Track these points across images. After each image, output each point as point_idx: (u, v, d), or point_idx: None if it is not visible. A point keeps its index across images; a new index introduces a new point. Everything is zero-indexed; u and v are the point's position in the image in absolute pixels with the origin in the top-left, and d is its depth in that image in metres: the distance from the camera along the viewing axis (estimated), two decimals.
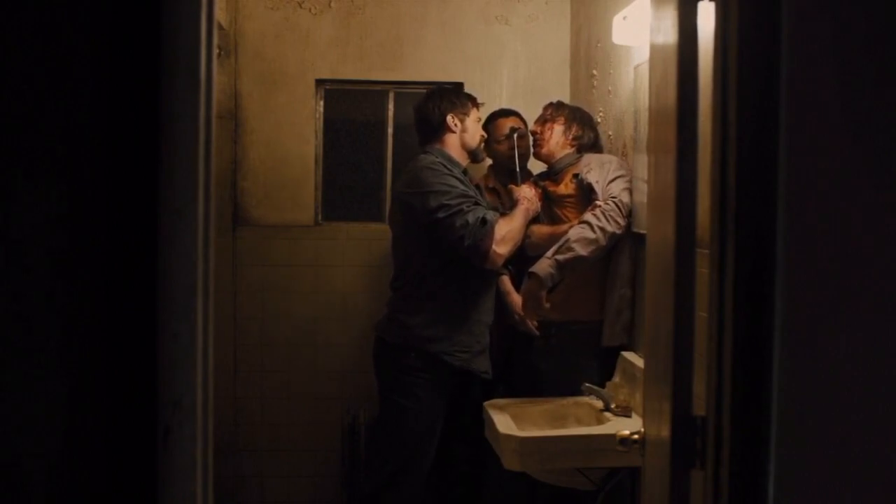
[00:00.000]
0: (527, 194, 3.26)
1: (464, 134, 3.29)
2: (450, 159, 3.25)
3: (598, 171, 3.22)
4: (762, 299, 1.50)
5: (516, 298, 3.33)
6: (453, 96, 3.32)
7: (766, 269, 1.49)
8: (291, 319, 4.19)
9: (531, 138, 3.51)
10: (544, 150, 3.41)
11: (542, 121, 3.45)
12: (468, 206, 3.07)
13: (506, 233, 3.10)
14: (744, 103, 1.52)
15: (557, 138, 3.38)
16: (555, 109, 3.44)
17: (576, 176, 3.28)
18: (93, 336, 1.32)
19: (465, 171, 3.30)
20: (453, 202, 3.07)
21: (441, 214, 3.06)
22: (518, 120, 3.70)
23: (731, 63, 1.54)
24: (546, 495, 3.35)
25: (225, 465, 4.04)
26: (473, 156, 3.37)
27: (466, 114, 3.30)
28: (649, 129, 2.09)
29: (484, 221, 3.05)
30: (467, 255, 3.07)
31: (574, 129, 3.39)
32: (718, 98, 1.57)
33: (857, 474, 1.51)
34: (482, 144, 3.40)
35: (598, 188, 3.17)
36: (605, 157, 3.35)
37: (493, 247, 3.05)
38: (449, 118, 3.27)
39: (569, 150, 3.39)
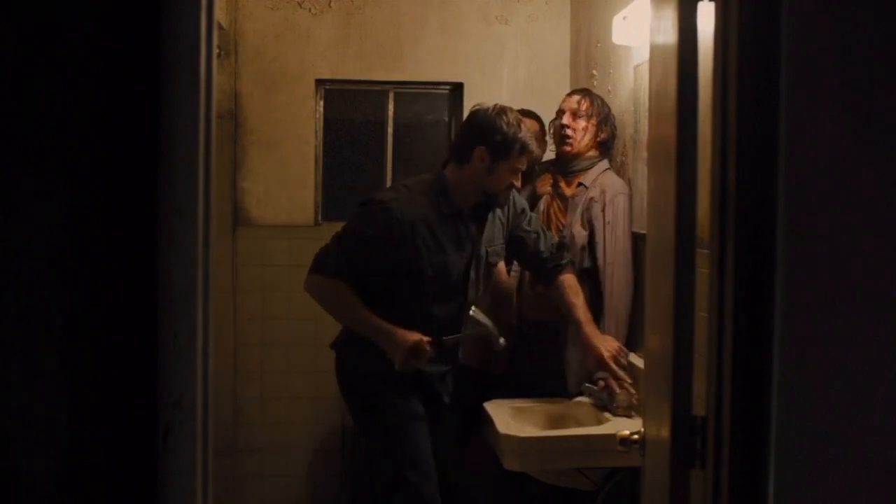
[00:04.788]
0: (402, 354, 2.82)
1: (487, 175, 2.86)
2: (437, 198, 2.88)
3: (609, 210, 3.13)
4: (762, 299, 1.50)
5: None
6: (508, 136, 2.84)
7: (766, 269, 1.49)
8: (291, 319, 4.19)
9: (561, 131, 3.27)
10: (574, 151, 3.23)
11: (576, 115, 3.23)
12: (335, 253, 2.86)
13: (316, 293, 2.90)
14: (744, 103, 1.52)
15: (588, 141, 3.23)
16: (590, 104, 3.23)
17: (581, 184, 3.23)
18: (93, 336, 1.32)
19: (459, 211, 2.90)
20: (334, 243, 2.89)
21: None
22: (534, 122, 3.59)
23: (731, 63, 1.54)
24: (537, 496, 3.35)
25: (225, 465, 4.04)
26: (490, 198, 2.92)
27: (507, 157, 2.85)
28: (649, 129, 2.09)
29: (320, 262, 2.87)
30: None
31: (604, 131, 3.24)
32: (718, 98, 1.57)
33: (857, 474, 1.51)
34: (508, 191, 2.94)
35: (600, 237, 3.14)
36: (618, 185, 3.19)
37: (305, 282, 2.91)
38: (479, 151, 2.85)
39: (592, 153, 3.25)
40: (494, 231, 3.02)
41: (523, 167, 2.91)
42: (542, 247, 3.10)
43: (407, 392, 2.91)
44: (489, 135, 2.83)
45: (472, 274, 2.95)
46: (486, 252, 2.98)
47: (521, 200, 3.13)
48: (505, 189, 2.90)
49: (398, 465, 2.89)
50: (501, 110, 2.89)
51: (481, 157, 2.84)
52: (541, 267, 3.14)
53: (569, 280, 3.10)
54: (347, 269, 2.84)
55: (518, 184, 2.94)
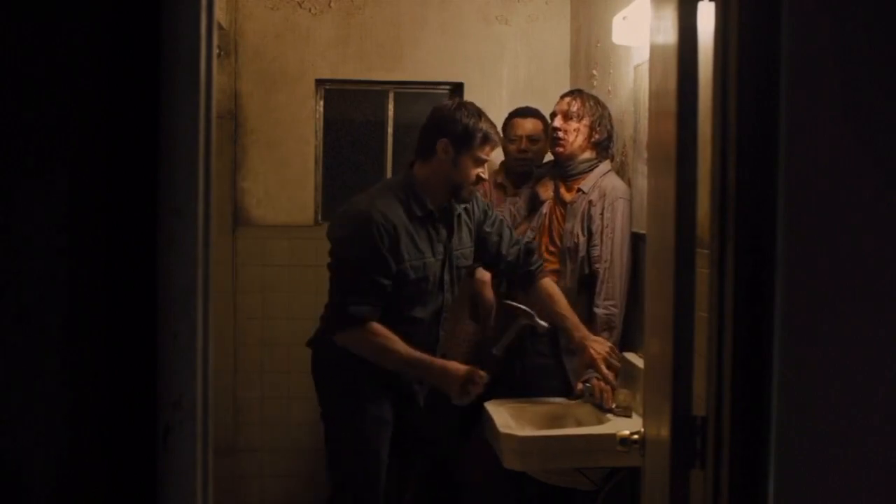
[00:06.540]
0: (457, 387, 2.84)
1: (452, 168, 2.86)
2: (409, 201, 2.86)
3: (607, 213, 3.13)
4: (762, 299, 1.50)
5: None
6: (469, 126, 2.85)
7: (766, 269, 1.49)
8: (291, 319, 4.18)
9: (553, 134, 3.26)
10: (567, 152, 3.23)
11: (567, 117, 3.22)
12: (346, 297, 2.80)
13: (355, 348, 2.83)
14: (744, 103, 1.52)
15: (581, 142, 3.21)
16: (581, 105, 3.21)
17: (580, 190, 3.22)
18: (93, 336, 1.32)
19: (430, 214, 2.89)
20: (338, 288, 2.85)
21: (332, 265, 2.90)
22: (538, 122, 3.60)
23: (731, 63, 1.54)
24: (537, 496, 3.35)
25: (225, 464, 4.04)
26: (455, 193, 2.90)
27: (469, 147, 2.86)
28: (649, 129, 2.09)
29: (341, 317, 2.80)
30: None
31: (597, 132, 3.21)
32: (718, 98, 1.57)
33: (857, 474, 1.51)
34: (474, 185, 2.93)
35: (597, 239, 3.14)
36: (619, 189, 3.17)
37: (335, 338, 2.86)
38: (442, 143, 2.86)
39: (588, 154, 3.24)
40: (462, 234, 3.03)
41: (487, 158, 2.91)
42: (503, 250, 3.09)
43: (377, 394, 2.92)
44: (450, 127, 2.85)
45: (447, 276, 2.96)
46: (454, 255, 2.99)
47: (483, 202, 3.13)
48: (472, 182, 2.90)
49: (354, 464, 2.91)
50: (461, 104, 2.93)
51: (444, 148, 2.85)
52: (511, 272, 3.14)
53: (546, 286, 3.11)
54: (367, 305, 2.80)
55: (485, 176, 2.95)
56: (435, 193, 2.90)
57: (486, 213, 3.12)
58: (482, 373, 2.83)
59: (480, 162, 2.89)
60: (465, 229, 3.04)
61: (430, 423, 3.14)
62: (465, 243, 3.04)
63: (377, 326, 2.81)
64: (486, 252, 3.11)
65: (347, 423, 2.92)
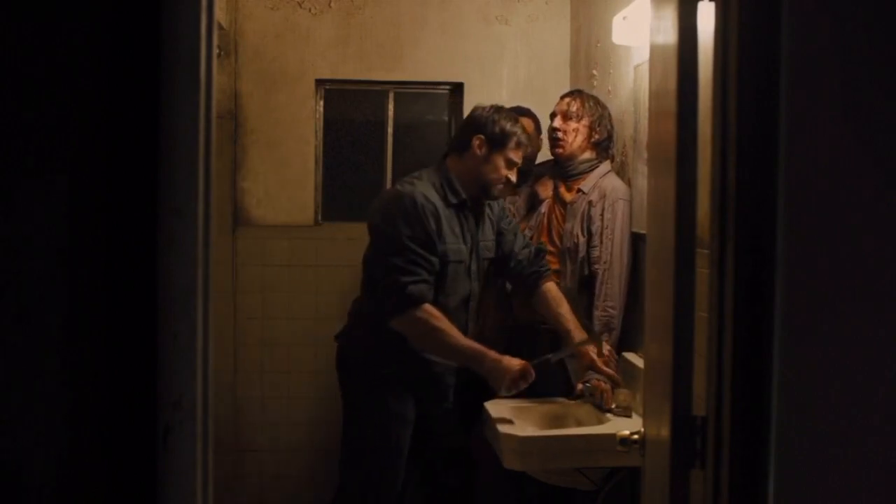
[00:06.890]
0: (507, 382, 2.87)
1: (484, 164, 2.97)
2: (444, 189, 2.96)
3: (608, 214, 3.13)
4: (762, 299, 1.50)
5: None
6: (506, 128, 2.97)
7: (766, 269, 1.49)
8: (291, 319, 4.19)
9: (552, 134, 3.28)
10: (567, 153, 3.24)
11: (566, 117, 3.24)
12: (402, 277, 2.82)
13: (408, 332, 2.87)
14: (744, 103, 1.52)
15: (581, 142, 3.22)
16: (581, 105, 3.22)
17: (580, 191, 3.23)
18: (93, 336, 1.32)
19: (464, 202, 2.99)
20: (393, 268, 2.84)
21: (376, 251, 2.92)
22: (531, 121, 3.63)
23: (731, 63, 1.54)
24: (537, 496, 3.35)
25: (225, 465, 4.04)
26: (484, 190, 3.01)
27: (503, 147, 2.97)
28: (649, 129, 2.09)
29: (400, 299, 2.81)
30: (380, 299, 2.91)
31: (597, 132, 3.22)
32: (718, 98, 1.57)
33: (857, 474, 1.51)
34: (498, 186, 3.03)
35: (597, 240, 3.14)
36: (619, 190, 3.17)
37: (393, 322, 2.86)
38: (477, 140, 2.97)
39: (588, 154, 3.24)
40: (486, 227, 3.13)
41: (518, 161, 3.03)
42: (516, 249, 3.17)
43: (403, 393, 2.98)
44: (489, 126, 2.98)
45: (474, 266, 3.05)
46: (480, 246, 3.08)
47: (500, 200, 3.23)
48: (500, 182, 3.01)
49: (377, 461, 2.97)
50: (499, 108, 3.07)
51: (480, 145, 2.97)
52: (519, 273, 3.19)
53: (551, 289, 3.16)
54: (423, 283, 2.84)
55: (514, 179, 3.05)
56: (464, 187, 3.00)
57: (504, 210, 3.23)
58: (532, 371, 2.87)
59: (512, 164, 3.01)
60: (488, 222, 3.14)
61: (451, 421, 3.18)
62: (488, 236, 3.13)
63: (434, 309, 2.86)
64: (499, 249, 3.19)
65: (373, 419, 2.98)
